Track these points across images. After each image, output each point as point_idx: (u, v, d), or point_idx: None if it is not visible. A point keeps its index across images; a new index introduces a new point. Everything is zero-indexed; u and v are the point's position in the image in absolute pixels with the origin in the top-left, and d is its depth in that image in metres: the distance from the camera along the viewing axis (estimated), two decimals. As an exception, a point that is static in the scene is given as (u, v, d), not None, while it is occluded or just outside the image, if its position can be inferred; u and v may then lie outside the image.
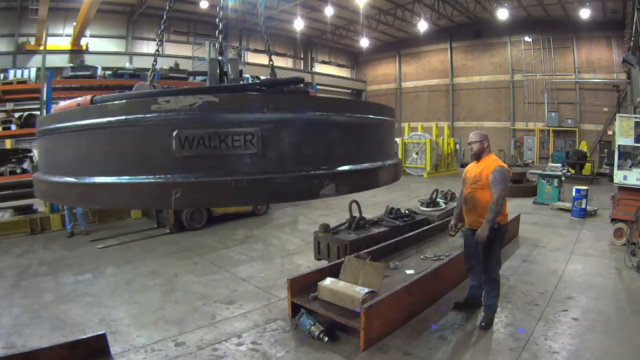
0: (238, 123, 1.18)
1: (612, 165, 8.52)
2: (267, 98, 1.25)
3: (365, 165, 1.47)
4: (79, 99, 1.48)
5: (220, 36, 2.00)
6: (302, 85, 1.42)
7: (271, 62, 2.42)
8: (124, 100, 1.24)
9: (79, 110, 1.34)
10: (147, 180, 1.21)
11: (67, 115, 1.38)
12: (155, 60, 2.44)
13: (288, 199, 1.35)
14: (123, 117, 1.21)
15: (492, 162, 3.77)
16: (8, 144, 13.10)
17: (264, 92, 1.29)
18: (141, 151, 1.22)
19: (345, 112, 1.42)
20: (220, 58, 1.55)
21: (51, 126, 1.46)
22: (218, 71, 1.50)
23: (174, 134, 1.16)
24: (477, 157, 3.85)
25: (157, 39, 2.39)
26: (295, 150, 1.27)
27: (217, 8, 2.11)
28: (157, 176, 1.20)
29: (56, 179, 1.40)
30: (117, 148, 1.26)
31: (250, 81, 14.84)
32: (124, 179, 1.23)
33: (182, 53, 18.06)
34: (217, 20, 2.09)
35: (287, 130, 1.25)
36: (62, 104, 1.60)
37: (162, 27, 2.45)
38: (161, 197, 1.20)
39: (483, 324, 3.71)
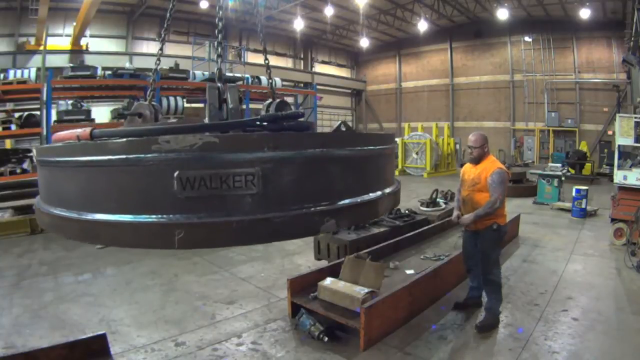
0: (239, 163, 1.19)
1: (612, 165, 8.52)
2: (267, 137, 1.26)
3: (365, 197, 1.48)
4: (79, 130, 1.44)
5: (219, 61, 1.93)
6: (302, 118, 1.43)
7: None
8: (124, 140, 1.24)
9: (78, 147, 1.33)
10: (149, 220, 1.21)
11: (66, 150, 1.37)
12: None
13: (289, 237, 1.38)
14: (123, 157, 1.21)
15: (490, 165, 3.73)
16: (8, 144, 13.10)
17: (263, 131, 1.29)
18: (143, 191, 1.23)
19: (346, 146, 1.42)
20: (219, 85, 1.52)
21: (51, 159, 1.45)
22: (217, 99, 1.49)
23: (176, 174, 1.16)
24: (477, 161, 3.82)
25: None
26: (296, 188, 1.27)
27: (216, 32, 2.05)
28: (160, 216, 1.20)
29: (58, 211, 1.39)
30: (118, 186, 1.26)
31: (250, 82, 14.77)
32: (126, 217, 1.23)
33: (182, 53, 18.06)
34: (215, 45, 2.04)
35: (288, 169, 1.25)
36: (62, 133, 1.56)
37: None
38: (164, 237, 1.20)
39: (479, 324, 3.64)
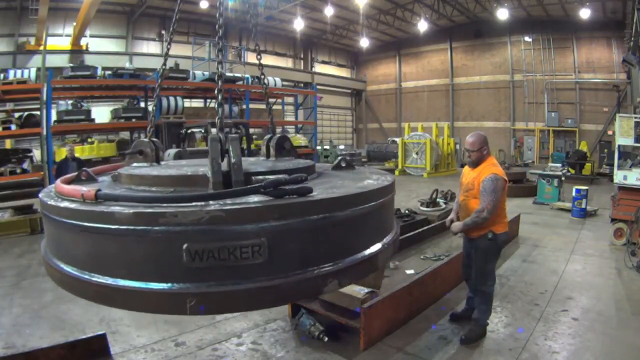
0: (245, 235, 1.22)
1: (612, 165, 8.52)
2: (271, 209, 1.28)
3: (366, 252, 1.51)
4: (84, 189, 1.40)
5: (220, 111, 1.84)
6: (304, 179, 1.45)
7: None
8: (131, 211, 1.24)
9: (85, 213, 1.32)
10: (161, 288, 1.23)
11: (72, 214, 1.36)
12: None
13: (294, 300, 1.43)
14: (131, 227, 1.22)
15: (486, 169, 3.36)
16: (8, 144, 13.11)
17: (268, 201, 1.32)
18: (153, 260, 1.24)
19: (348, 207, 1.44)
20: (220, 136, 1.53)
21: (56, 218, 1.43)
22: (219, 153, 1.49)
23: (184, 247, 1.19)
24: (475, 164, 3.47)
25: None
26: (300, 253, 1.32)
27: (217, 65, 1.96)
28: (171, 284, 1.22)
29: (69, 270, 1.39)
30: (126, 254, 1.26)
31: (250, 82, 14.70)
32: (138, 284, 1.24)
33: (182, 53, 18.06)
34: (216, 80, 1.90)
35: (292, 236, 1.29)
36: (65, 188, 1.51)
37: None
38: (176, 305, 1.23)
39: (463, 337, 3.42)
